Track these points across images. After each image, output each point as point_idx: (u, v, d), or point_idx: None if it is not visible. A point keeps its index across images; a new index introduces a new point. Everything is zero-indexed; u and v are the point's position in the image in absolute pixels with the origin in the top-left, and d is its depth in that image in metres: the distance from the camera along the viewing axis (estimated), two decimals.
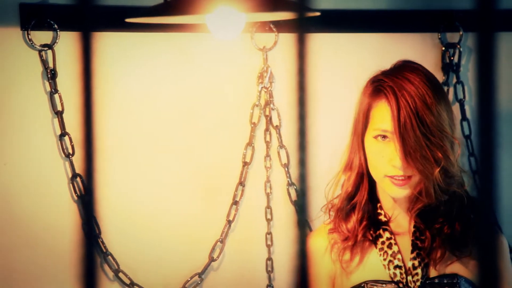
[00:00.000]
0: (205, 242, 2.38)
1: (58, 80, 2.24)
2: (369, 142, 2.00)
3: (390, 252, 2.01)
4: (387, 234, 2.03)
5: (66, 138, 2.26)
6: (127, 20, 1.87)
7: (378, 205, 2.06)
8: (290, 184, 2.42)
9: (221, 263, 2.40)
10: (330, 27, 2.41)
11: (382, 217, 2.05)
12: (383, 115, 1.97)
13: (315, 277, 2.05)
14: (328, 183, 2.10)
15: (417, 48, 2.49)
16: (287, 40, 2.40)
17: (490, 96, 0.86)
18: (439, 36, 2.51)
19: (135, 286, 2.32)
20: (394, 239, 2.02)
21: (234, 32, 1.94)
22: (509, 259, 2.09)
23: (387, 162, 1.96)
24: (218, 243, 2.38)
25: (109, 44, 2.27)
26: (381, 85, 1.99)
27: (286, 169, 2.42)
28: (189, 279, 2.37)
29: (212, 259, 2.38)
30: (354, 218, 2.03)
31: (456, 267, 2.01)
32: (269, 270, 2.42)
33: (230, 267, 2.40)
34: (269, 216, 2.42)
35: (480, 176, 0.85)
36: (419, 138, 1.94)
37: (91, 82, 0.87)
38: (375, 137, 1.98)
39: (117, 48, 2.29)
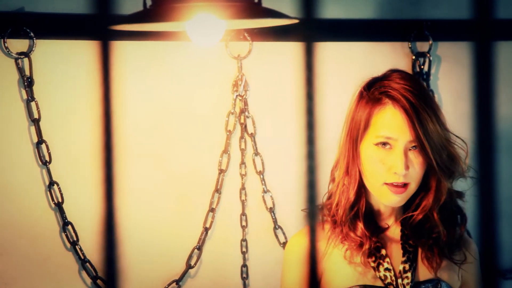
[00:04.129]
0: (182, 249, 2.39)
1: (34, 88, 2.25)
2: (368, 150, 1.99)
3: (378, 255, 2.02)
4: (374, 238, 2.04)
5: (43, 145, 2.26)
6: (110, 27, 1.87)
7: (376, 212, 2.07)
8: (265, 191, 2.45)
9: (198, 270, 2.41)
10: (299, 36, 2.44)
11: (383, 224, 2.07)
12: (388, 122, 1.97)
13: (293, 281, 2.05)
14: (324, 193, 2.10)
15: (388, 57, 2.52)
16: (262, 48, 2.43)
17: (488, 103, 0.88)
18: (410, 45, 2.55)
19: None
20: (382, 243, 2.04)
21: (214, 39, 1.96)
22: (478, 265, 2.13)
23: (387, 169, 1.97)
24: (195, 250, 2.40)
25: (83, 53, 2.28)
26: (384, 92, 1.99)
27: (261, 176, 2.44)
28: (166, 286, 2.37)
29: (189, 266, 2.39)
30: (361, 225, 2.02)
31: (439, 273, 2.03)
32: (244, 277, 2.43)
33: (207, 274, 2.41)
34: (244, 223, 2.43)
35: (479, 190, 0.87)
36: (441, 136, 1.97)
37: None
38: (376, 144, 1.98)
39: (93, 56, 2.29)
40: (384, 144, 1.97)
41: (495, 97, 0.86)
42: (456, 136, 2.02)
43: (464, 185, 2.07)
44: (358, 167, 2.02)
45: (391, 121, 1.97)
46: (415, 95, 1.97)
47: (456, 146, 2.01)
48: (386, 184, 1.97)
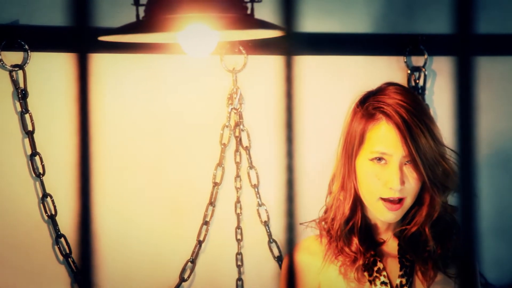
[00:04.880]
0: (176, 263, 2.38)
1: (28, 100, 2.25)
2: (363, 165, 2.00)
3: (375, 268, 2.02)
4: (370, 252, 2.04)
5: (37, 157, 2.26)
6: (100, 38, 1.88)
7: (373, 226, 2.07)
8: (260, 204, 2.44)
9: (191, 283, 2.40)
10: (296, 50, 2.44)
11: (379, 238, 2.06)
12: (382, 138, 1.97)
13: None
14: (321, 207, 2.10)
15: (383, 71, 2.52)
16: (257, 61, 2.43)
17: (468, 118, 0.88)
18: (405, 60, 2.55)
19: None
20: (379, 257, 2.04)
21: (206, 50, 1.97)
22: (476, 279, 2.12)
23: (382, 184, 1.97)
24: (189, 263, 2.39)
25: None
26: (378, 107, 1.99)
27: (256, 189, 2.44)
28: None
29: (182, 279, 2.38)
30: (356, 240, 2.02)
31: (435, 286, 2.03)
32: None
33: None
34: (239, 237, 2.43)
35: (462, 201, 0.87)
36: (435, 151, 1.97)
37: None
38: (371, 159, 1.98)
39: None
40: (379, 159, 1.97)
41: (476, 110, 0.86)
42: (452, 151, 2.02)
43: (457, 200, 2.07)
44: (353, 181, 2.02)
45: (385, 137, 1.97)
46: (408, 111, 1.96)
47: (452, 161, 2.01)
48: (382, 199, 1.97)
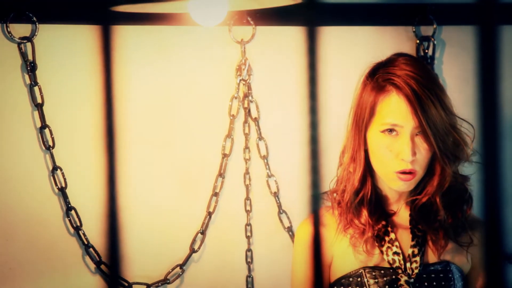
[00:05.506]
0: (186, 234, 2.39)
1: (37, 72, 2.24)
2: (375, 137, 2.00)
3: (387, 239, 2.03)
4: (383, 222, 2.04)
5: (46, 130, 2.26)
6: (111, 8, 1.87)
7: (384, 197, 2.07)
8: (270, 175, 2.44)
9: (202, 254, 2.41)
10: (302, 20, 2.43)
11: (391, 209, 2.07)
12: (392, 109, 1.97)
13: (304, 266, 2.05)
14: (332, 179, 2.11)
15: (392, 41, 2.51)
16: (265, 32, 2.42)
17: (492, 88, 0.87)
18: (414, 29, 2.54)
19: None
20: (391, 228, 2.05)
21: (216, 19, 1.96)
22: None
23: (395, 156, 1.97)
24: (199, 234, 2.40)
25: (86, 37, 2.27)
26: (388, 79, 1.98)
27: (265, 160, 2.44)
28: (170, 270, 2.38)
29: (193, 251, 2.39)
30: (365, 212, 2.03)
31: (448, 255, 2.04)
32: (249, 261, 2.43)
33: (211, 258, 2.41)
34: (248, 208, 2.43)
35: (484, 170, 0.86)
36: (445, 122, 1.97)
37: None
38: (383, 131, 1.98)
39: (95, 41, 2.29)
40: (391, 131, 1.97)
41: (500, 82, 0.85)
42: (463, 120, 2.02)
43: (469, 169, 2.07)
44: (363, 153, 2.02)
45: (396, 109, 1.97)
46: (418, 82, 1.96)
47: (462, 131, 2.01)
48: (395, 172, 1.97)
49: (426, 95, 1.95)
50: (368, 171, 2.04)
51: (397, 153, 1.97)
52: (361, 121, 2.01)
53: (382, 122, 1.98)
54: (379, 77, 2.00)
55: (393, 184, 2.00)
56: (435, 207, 2.02)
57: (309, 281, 2.03)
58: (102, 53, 0.89)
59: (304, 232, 2.07)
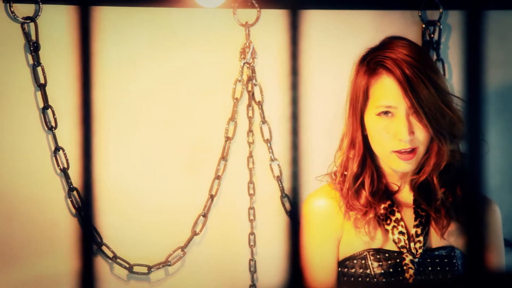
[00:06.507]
0: (188, 216, 2.39)
1: (40, 52, 2.24)
2: (371, 120, 2.01)
3: (393, 218, 2.03)
4: (388, 202, 2.05)
5: (49, 111, 2.26)
6: None
7: (384, 180, 2.07)
8: (273, 159, 2.44)
9: (203, 237, 2.41)
10: (307, 4, 2.42)
11: (392, 187, 2.07)
12: (385, 91, 1.99)
13: (321, 241, 2.05)
14: (331, 162, 2.11)
15: (397, 26, 2.50)
16: (270, 15, 2.41)
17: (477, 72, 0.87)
18: (419, 14, 2.52)
19: (118, 259, 2.32)
20: (396, 207, 2.04)
21: (219, 0, 1.95)
22: (499, 227, 2.11)
23: (392, 137, 1.98)
24: (201, 217, 2.40)
25: (91, 18, 2.27)
26: (378, 62, 2.01)
27: (269, 144, 2.44)
28: (171, 252, 2.38)
29: (194, 233, 2.39)
30: (365, 194, 2.04)
31: (452, 239, 2.05)
32: (252, 245, 2.43)
33: (213, 241, 2.41)
34: (251, 191, 2.43)
35: (469, 148, 0.86)
36: (437, 100, 1.97)
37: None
38: (378, 114, 2.00)
39: (97, 23, 2.29)
40: (386, 113, 1.99)
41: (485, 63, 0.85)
42: (460, 99, 2.02)
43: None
44: (362, 138, 2.04)
45: (388, 90, 1.99)
46: (408, 62, 1.98)
47: (459, 110, 2.01)
48: (394, 151, 1.98)
49: (416, 75, 1.96)
50: (369, 155, 2.04)
51: (395, 133, 1.98)
52: (357, 106, 2.03)
53: (377, 104, 2.00)
54: (370, 60, 2.03)
55: (395, 165, 2.00)
56: (433, 186, 2.02)
57: (330, 255, 2.03)
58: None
59: (319, 202, 2.06)
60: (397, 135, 1.97)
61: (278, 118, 2.44)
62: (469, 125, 0.87)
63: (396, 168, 2.01)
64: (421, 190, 2.04)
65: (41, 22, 2.24)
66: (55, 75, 2.26)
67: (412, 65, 1.97)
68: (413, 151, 1.98)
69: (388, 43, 2.04)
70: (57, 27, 2.26)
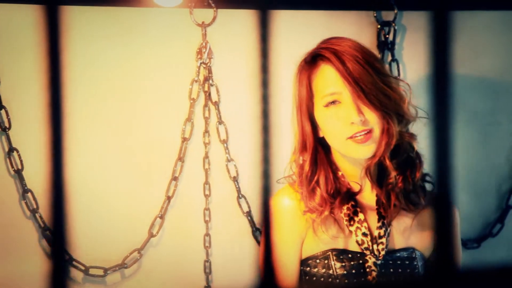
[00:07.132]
0: (145, 218, 2.37)
1: None
2: (321, 114, 2.03)
3: (356, 219, 2.04)
4: (352, 202, 2.06)
5: (3, 111, 2.22)
6: None
7: (340, 173, 2.08)
8: (229, 160, 2.43)
9: (160, 239, 2.39)
10: (257, 3, 2.42)
11: (353, 188, 2.07)
12: (326, 80, 2.02)
13: (284, 240, 2.05)
14: (285, 165, 2.12)
15: (353, 26, 2.51)
16: (226, 15, 2.40)
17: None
18: (375, 14, 2.54)
19: (74, 262, 2.29)
20: (360, 208, 2.05)
21: (176, 0, 1.93)
22: (458, 229, 2.15)
23: (344, 123, 1.99)
24: (158, 219, 2.38)
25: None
26: (315, 55, 2.05)
27: (225, 145, 2.43)
28: (128, 254, 2.35)
29: (151, 235, 2.37)
30: (319, 193, 2.05)
31: (413, 241, 2.07)
32: (207, 246, 2.42)
33: (169, 243, 2.40)
34: (207, 192, 2.42)
35: (435, 148, 0.87)
36: (376, 79, 2.00)
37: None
38: (326, 105, 2.02)
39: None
40: (333, 102, 2.01)
41: (451, 64, 0.86)
42: (398, 79, 2.07)
43: (416, 128, 2.10)
44: (313, 139, 2.06)
45: (329, 78, 2.02)
46: (343, 50, 2.02)
47: (401, 89, 2.05)
48: (349, 138, 1.98)
49: (351, 58, 2.01)
50: (324, 154, 2.06)
51: (345, 118, 2.00)
52: (304, 106, 2.06)
53: (322, 95, 2.03)
54: (307, 57, 2.08)
55: (354, 152, 2.01)
56: (386, 168, 2.04)
57: (293, 254, 2.04)
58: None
59: (284, 202, 2.07)
60: (348, 118, 1.99)
61: (234, 119, 2.43)
62: (434, 126, 0.87)
63: (356, 155, 2.02)
64: (374, 174, 2.06)
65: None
66: (9, 75, 2.22)
67: (346, 52, 2.01)
68: (368, 133, 1.99)
69: (322, 42, 2.09)
70: (8, 27, 2.22)
